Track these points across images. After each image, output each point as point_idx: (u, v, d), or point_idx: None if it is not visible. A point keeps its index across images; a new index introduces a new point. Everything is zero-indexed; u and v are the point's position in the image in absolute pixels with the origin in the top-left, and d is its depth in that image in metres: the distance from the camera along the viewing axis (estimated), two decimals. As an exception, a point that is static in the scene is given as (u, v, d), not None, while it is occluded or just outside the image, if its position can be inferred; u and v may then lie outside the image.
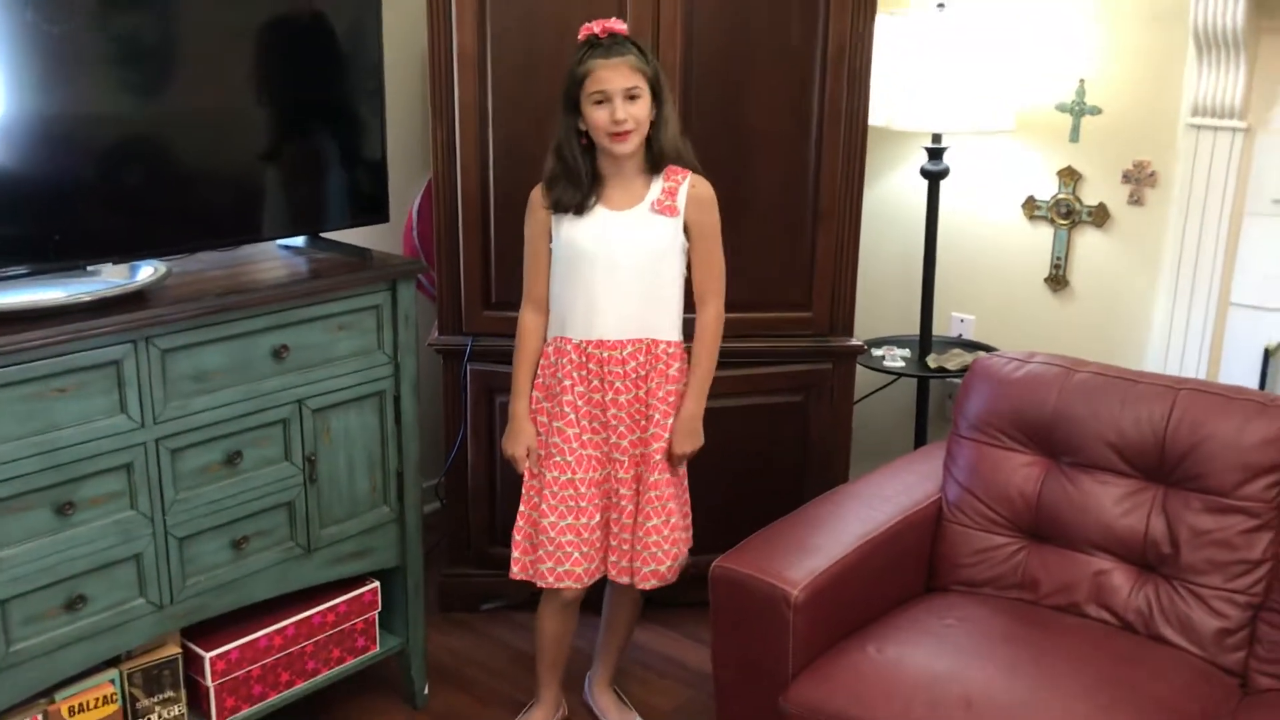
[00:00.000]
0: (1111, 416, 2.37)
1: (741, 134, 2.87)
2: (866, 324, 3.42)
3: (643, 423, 2.43)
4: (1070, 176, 3.20)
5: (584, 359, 2.40)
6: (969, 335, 3.48)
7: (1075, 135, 3.16)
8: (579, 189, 2.34)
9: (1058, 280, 3.28)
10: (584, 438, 2.42)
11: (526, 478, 2.48)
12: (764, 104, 2.85)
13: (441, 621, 3.14)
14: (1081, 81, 3.11)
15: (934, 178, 3.21)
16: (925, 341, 3.34)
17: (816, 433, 3.08)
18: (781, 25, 2.80)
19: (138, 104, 2.23)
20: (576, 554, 2.42)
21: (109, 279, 2.25)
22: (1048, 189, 3.25)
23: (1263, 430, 2.25)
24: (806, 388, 3.05)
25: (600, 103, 2.27)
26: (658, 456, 2.42)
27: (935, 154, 3.19)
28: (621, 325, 2.39)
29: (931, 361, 3.29)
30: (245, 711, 2.46)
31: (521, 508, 2.49)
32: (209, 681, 2.38)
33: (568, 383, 2.41)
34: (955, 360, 3.27)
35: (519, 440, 2.47)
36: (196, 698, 2.40)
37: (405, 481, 2.63)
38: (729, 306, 2.79)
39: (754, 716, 2.25)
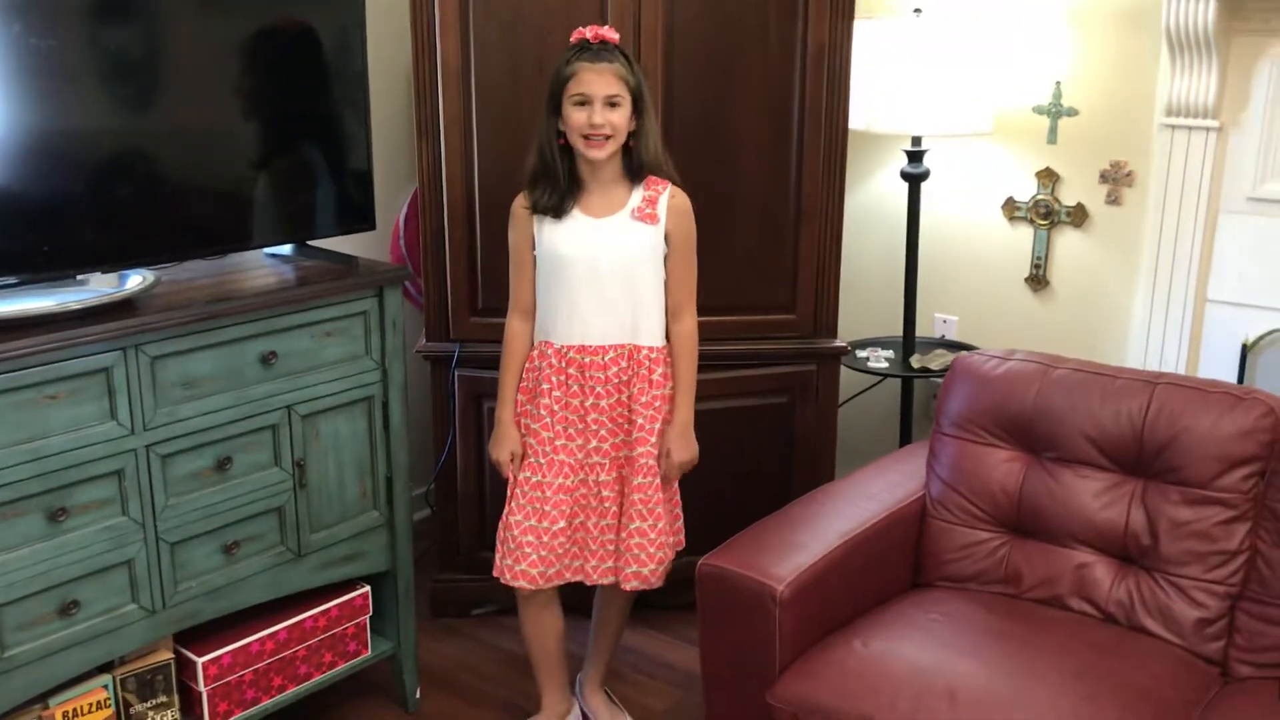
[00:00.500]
0: (1090, 411, 2.41)
1: (723, 138, 2.90)
2: (850, 326, 3.46)
3: (625, 427, 2.45)
4: (1049, 177, 3.24)
5: (564, 364, 2.43)
6: (952, 336, 3.51)
7: (1053, 137, 3.20)
8: (557, 189, 2.37)
9: (1038, 280, 3.32)
10: (558, 443, 2.44)
11: (510, 480, 2.51)
12: (745, 108, 2.89)
13: (433, 627, 3.16)
14: (1058, 84, 3.16)
15: (914, 180, 3.25)
16: (908, 342, 3.38)
17: (802, 434, 3.11)
18: (761, 30, 2.84)
19: (125, 116, 2.26)
20: (534, 555, 2.44)
21: (98, 288, 2.27)
22: (1027, 190, 3.29)
23: (1239, 422, 2.28)
24: (791, 389, 3.08)
25: (581, 104, 2.30)
26: (642, 461, 2.45)
27: (915, 157, 3.23)
28: (603, 331, 2.42)
29: (915, 362, 3.33)
30: (238, 716, 2.47)
31: (506, 508, 2.52)
32: (202, 686, 2.39)
33: (545, 387, 2.44)
34: (938, 360, 3.30)
35: (503, 445, 2.49)
36: (190, 703, 2.42)
37: (395, 486, 2.66)
38: (713, 309, 2.83)
39: (742, 712, 2.27)
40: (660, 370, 2.46)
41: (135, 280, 2.29)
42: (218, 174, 2.43)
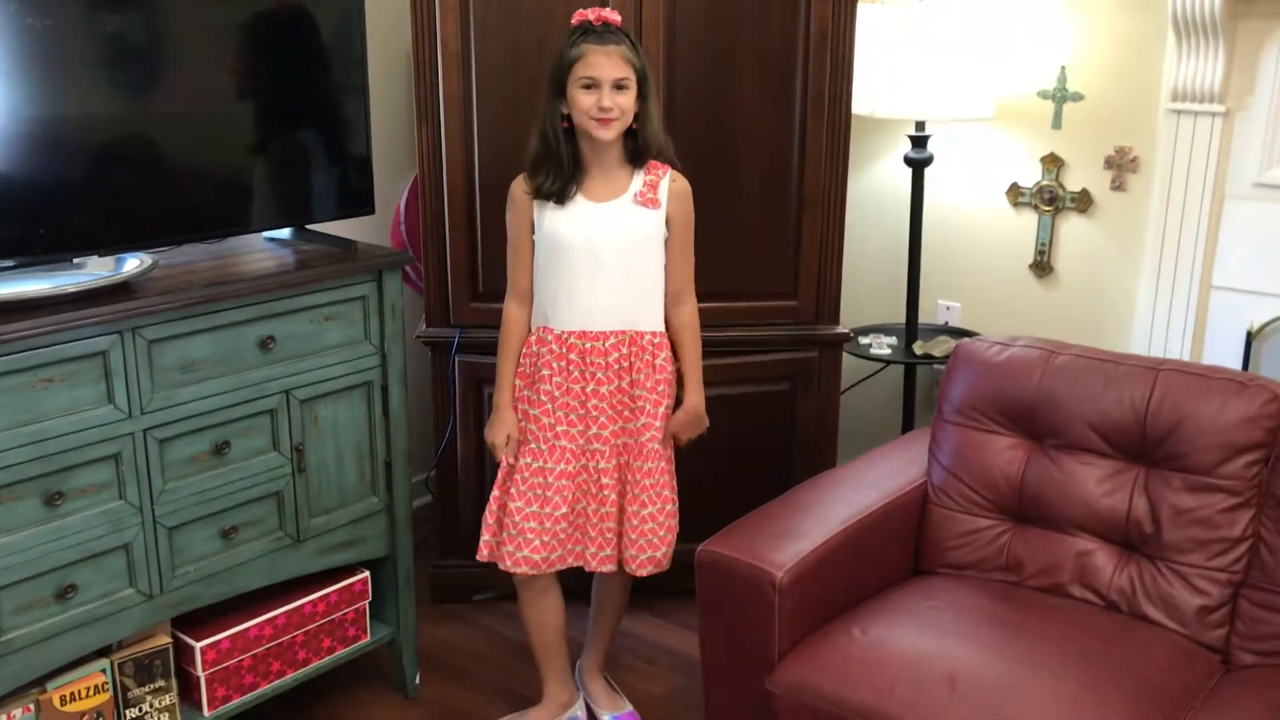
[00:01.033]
0: (1093, 398, 2.39)
1: (725, 124, 2.88)
2: (853, 312, 3.45)
3: (626, 413, 2.44)
4: (1053, 163, 3.22)
5: (565, 349, 2.42)
6: (955, 322, 3.50)
7: (1057, 122, 3.18)
8: (560, 174, 2.36)
9: (1043, 266, 3.30)
10: (559, 429, 2.43)
11: (502, 463, 2.50)
12: (747, 94, 2.87)
13: (433, 612, 3.16)
14: (1063, 68, 3.14)
15: (918, 165, 3.24)
16: (911, 329, 3.37)
17: (804, 421, 3.10)
18: (764, 14, 2.82)
19: (122, 98, 2.24)
20: (537, 541, 2.44)
21: (95, 271, 2.26)
22: (1031, 175, 3.27)
23: (1242, 409, 2.27)
24: (793, 376, 3.07)
25: (588, 88, 2.28)
26: (649, 446, 2.44)
27: (919, 142, 3.21)
28: (604, 316, 2.41)
29: (918, 348, 3.31)
30: (236, 701, 2.47)
31: (495, 492, 2.52)
32: (200, 671, 2.39)
33: (546, 373, 2.43)
34: (941, 347, 3.29)
35: (499, 429, 2.49)
36: (188, 687, 2.42)
37: (394, 471, 2.65)
38: (715, 295, 2.82)
39: (741, 698, 2.27)
40: (662, 355, 2.45)
41: (132, 264, 2.29)
42: (216, 157, 2.41)
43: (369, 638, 2.72)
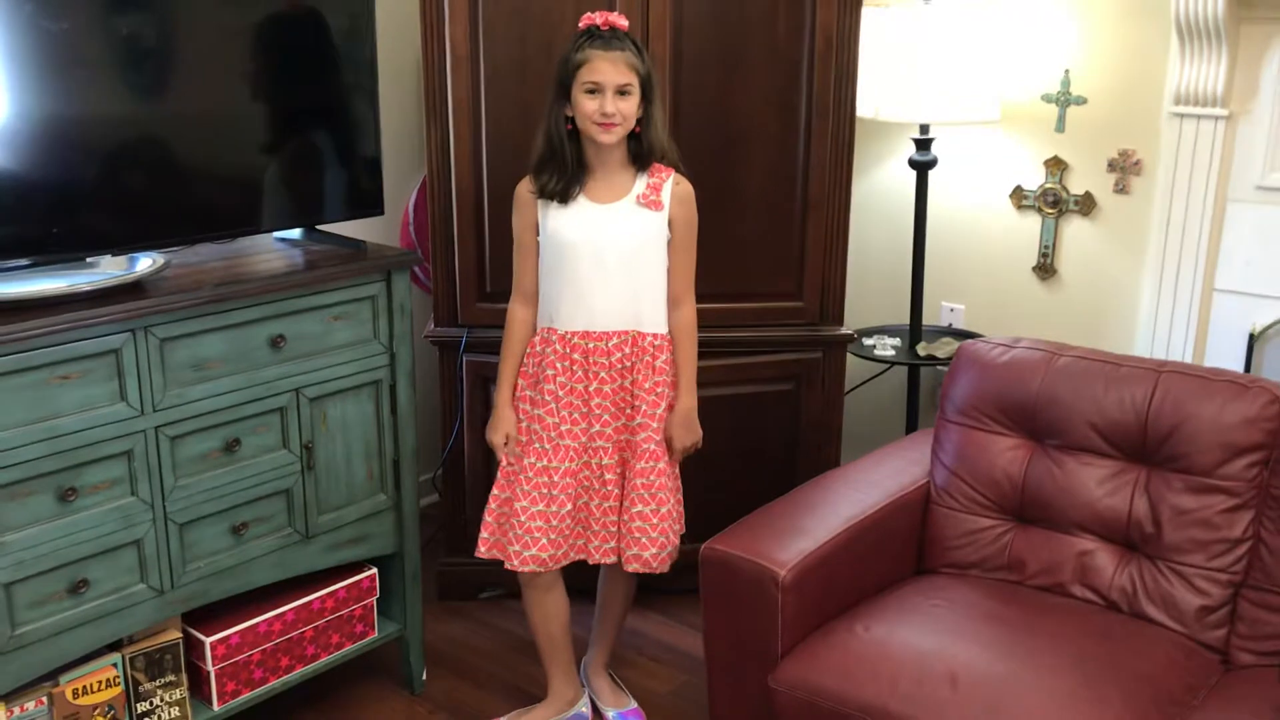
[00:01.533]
0: (1095, 399, 2.41)
1: (731, 126, 2.91)
2: (858, 314, 3.47)
3: (628, 411, 2.47)
4: (1057, 166, 3.24)
5: (568, 349, 2.44)
6: (959, 324, 3.52)
7: (1061, 125, 3.20)
8: (564, 174, 2.38)
9: (1046, 269, 3.32)
10: (563, 428, 2.46)
11: (503, 462, 2.53)
12: (753, 96, 2.89)
13: (440, 610, 3.19)
14: (1066, 72, 3.15)
15: (922, 168, 3.26)
16: (915, 330, 3.38)
17: (808, 421, 3.12)
18: (769, 18, 2.84)
19: (135, 99, 2.27)
20: (544, 539, 2.46)
21: (108, 270, 2.29)
22: (1035, 178, 3.29)
23: (1242, 411, 2.29)
24: (797, 376, 3.09)
25: (592, 92, 2.31)
26: (645, 446, 2.46)
27: (923, 144, 3.23)
28: (607, 317, 2.43)
29: (922, 350, 3.33)
30: (246, 696, 2.50)
31: (494, 490, 2.55)
32: (210, 666, 2.42)
33: (550, 372, 2.45)
34: (945, 348, 3.30)
35: (499, 428, 2.51)
36: (198, 682, 2.45)
37: (402, 469, 2.68)
38: (720, 295, 2.85)
39: (744, 695, 2.29)
40: (663, 357, 2.48)
41: (145, 263, 2.31)
42: (227, 158, 2.44)
43: (377, 634, 2.74)
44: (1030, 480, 2.47)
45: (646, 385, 2.45)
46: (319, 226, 2.68)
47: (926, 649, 2.15)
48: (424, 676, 2.86)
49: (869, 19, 2.96)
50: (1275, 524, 2.24)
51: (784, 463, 3.12)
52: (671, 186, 2.42)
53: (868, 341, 3.41)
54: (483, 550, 2.56)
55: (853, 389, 3.49)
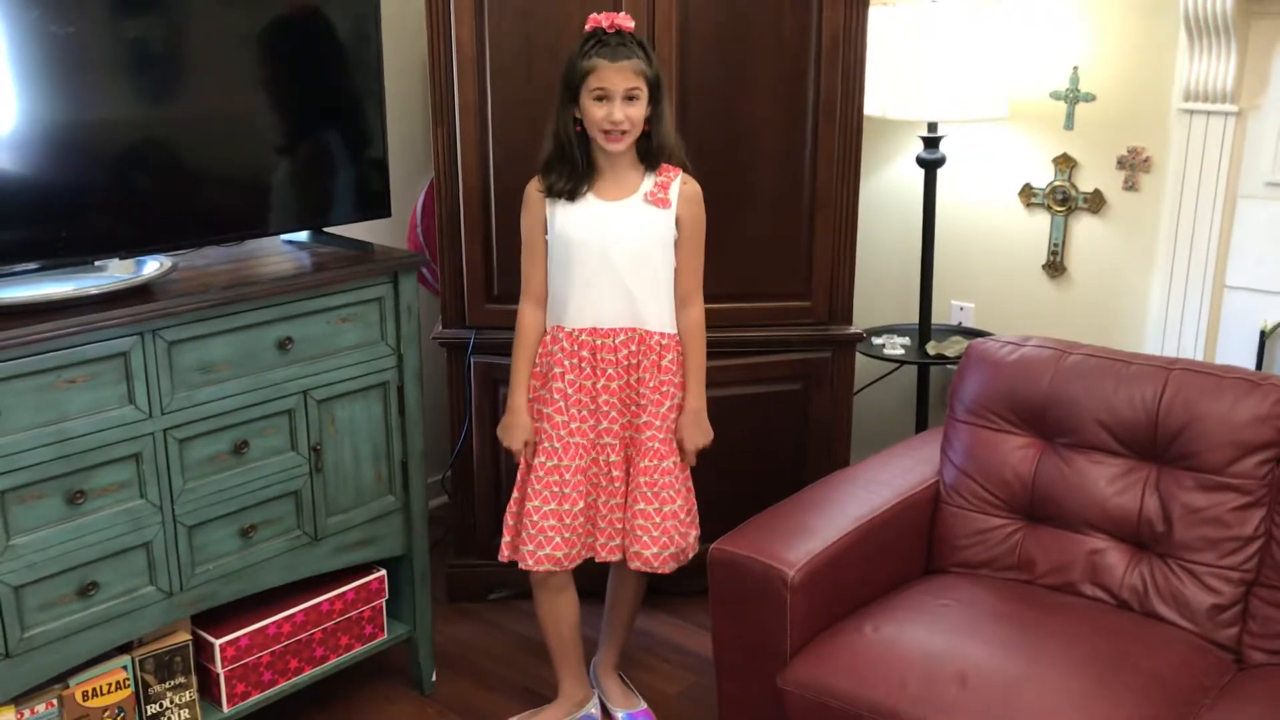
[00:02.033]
0: (1104, 397, 2.40)
1: (738, 125, 2.90)
2: (867, 313, 3.46)
3: (633, 409, 2.47)
4: (1066, 163, 3.22)
5: (576, 347, 2.44)
6: (968, 323, 3.51)
7: (1070, 122, 3.19)
8: (573, 174, 2.38)
9: (1055, 267, 3.31)
10: (572, 425, 2.46)
11: (521, 465, 2.53)
12: (760, 95, 2.89)
13: (449, 611, 3.19)
14: (1075, 69, 3.14)
15: (930, 166, 3.25)
16: (924, 329, 3.38)
17: (817, 421, 3.11)
18: (776, 16, 2.84)
19: (142, 103, 2.28)
20: (558, 538, 2.46)
21: (116, 274, 2.29)
22: (1044, 176, 3.28)
23: (1253, 408, 2.27)
24: (806, 376, 3.09)
25: (599, 99, 2.30)
26: (649, 444, 2.46)
27: (931, 143, 3.22)
28: (613, 314, 2.43)
29: (931, 349, 3.32)
30: (255, 698, 2.50)
31: (514, 493, 2.55)
32: (219, 668, 2.42)
33: (558, 370, 2.45)
34: (954, 347, 3.29)
35: (515, 434, 2.51)
36: (207, 684, 2.45)
37: (410, 471, 2.68)
38: (729, 295, 2.85)
39: (753, 695, 2.28)
40: (669, 356, 2.47)
41: (152, 266, 2.32)
42: (234, 161, 2.45)
43: (386, 635, 2.74)
44: (1040, 479, 2.46)
45: (651, 384, 2.45)
46: (326, 229, 2.68)
47: (936, 649, 2.14)
48: (433, 678, 2.86)
49: (876, 17, 2.95)
50: (1287, 522, 2.23)
51: (793, 462, 3.11)
52: (679, 186, 2.42)
53: (877, 341, 3.41)
54: (505, 554, 2.55)
55: (862, 388, 3.48)
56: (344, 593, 2.62)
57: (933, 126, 3.21)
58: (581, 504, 2.47)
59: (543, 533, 2.46)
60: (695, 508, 2.58)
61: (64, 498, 2.12)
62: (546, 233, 2.45)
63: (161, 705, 2.37)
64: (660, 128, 2.38)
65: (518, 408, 2.51)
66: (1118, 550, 2.38)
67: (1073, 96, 3.16)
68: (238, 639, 2.44)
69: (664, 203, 2.40)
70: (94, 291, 2.16)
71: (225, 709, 2.45)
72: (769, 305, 3.04)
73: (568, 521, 2.46)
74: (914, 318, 3.43)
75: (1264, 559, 2.25)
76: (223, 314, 2.28)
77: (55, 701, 2.21)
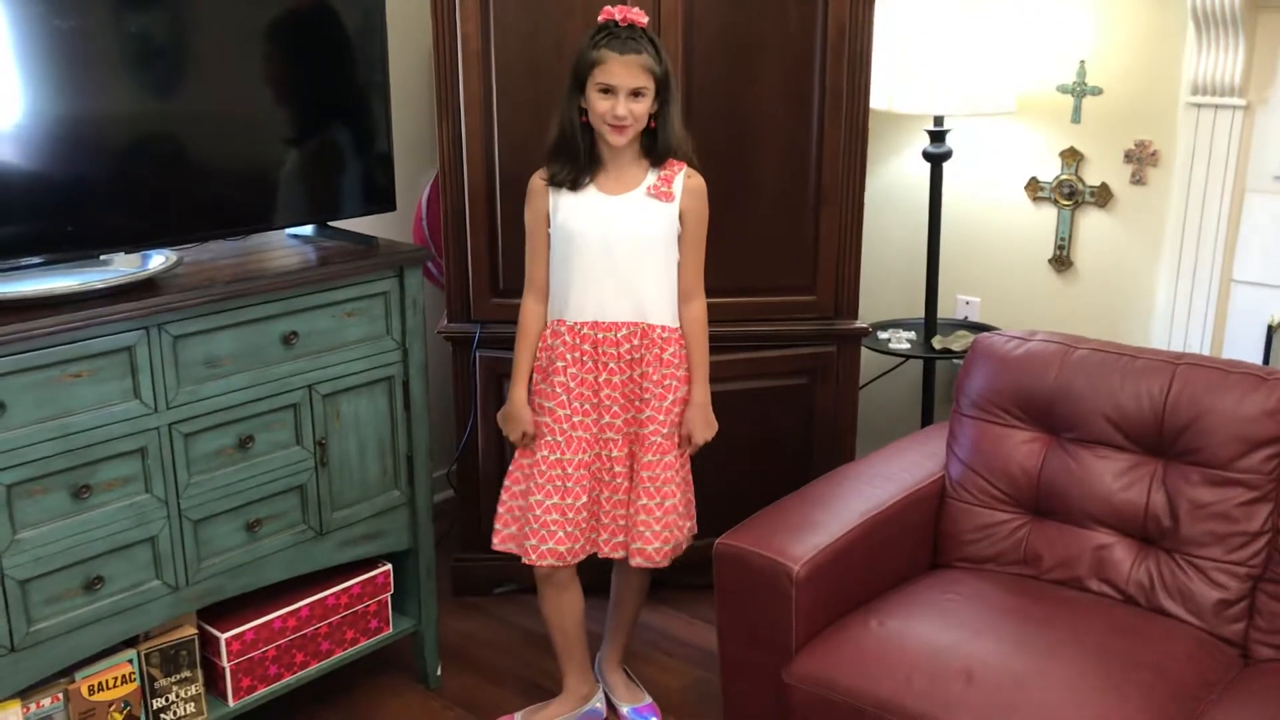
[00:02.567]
0: (1111, 392, 2.40)
1: (743, 118, 2.90)
2: (872, 307, 3.45)
3: (636, 403, 2.47)
4: (1072, 157, 3.21)
5: (578, 340, 2.44)
6: (974, 317, 3.50)
7: (1077, 116, 3.18)
8: (576, 164, 2.38)
9: (1062, 261, 3.30)
10: (575, 419, 2.45)
11: (517, 455, 2.53)
12: (765, 88, 2.88)
13: (455, 605, 3.19)
14: (1082, 62, 3.13)
15: (936, 160, 3.24)
16: (930, 323, 3.37)
17: (822, 415, 3.11)
18: (781, 10, 2.83)
19: (146, 97, 2.27)
20: (561, 533, 2.46)
21: (121, 268, 2.29)
22: (1050, 170, 3.27)
23: (1260, 403, 2.27)
24: (812, 370, 3.08)
25: (605, 92, 2.30)
26: (653, 439, 2.46)
27: (937, 137, 3.22)
28: (616, 308, 2.43)
29: (937, 343, 3.32)
30: (261, 691, 2.51)
31: (506, 482, 2.55)
32: (225, 662, 2.43)
33: (560, 364, 2.45)
34: (960, 342, 3.29)
35: (516, 426, 2.51)
36: (213, 678, 2.45)
37: (415, 465, 2.68)
38: (734, 290, 2.84)
39: (758, 690, 2.28)
40: (671, 350, 2.47)
41: (158, 260, 2.32)
42: (239, 155, 2.44)
43: (391, 630, 2.75)
44: (1046, 474, 2.45)
45: (655, 377, 2.45)
46: (331, 223, 2.68)
47: (942, 644, 2.14)
48: (439, 672, 2.87)
49: (882, 10, 2.94)
50: (1294, 517, 2.23)
51: (798, 457, 3.11)
52: (683, 179, 2.42)
53: (882, 335, 3.40)
54: (497, 543, 2.56)
55: (867, 383, 3.48)
56: (349, 587, 2.63)
57: (939, 120, 3.20)
58: (584, 498, 2.47)
59: (545, 527, 2.46)
60: (692, 500, 2.58)
61: (69, 492, 2.12)
62: (549, 226, 2.45)
63: (167, 699, 2.37)
64: (666, 127, 2.37)
65: (517, 399, 2.51)
66: (1124, 545, 2.38)
67: (1080, 90, 3.15)
68: (243, 633, 2.44)
69: (667, 196, 2.40)
70: (99, 286, 2.16)
71: (231, 703, 2.46)
72: (774, 299, 3.03)
73: (570, 516, 2.46)
74: (920, 312, 3.43)
75: (1270, 554, 2.25)
76: (228, 308, 2.28)
77: (61, 695, 2.21)
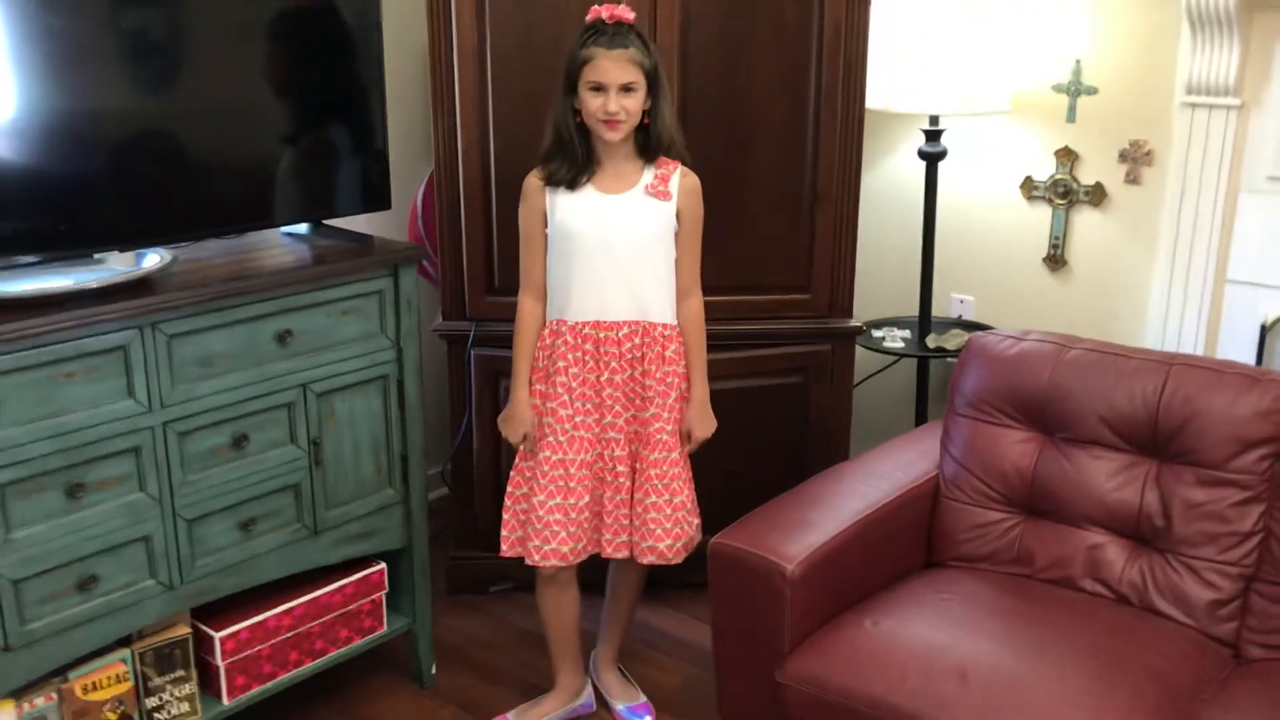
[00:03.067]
0: (1104, 392, 2.40)
1: (739, 117, 2.90)
2: (867, 306, 3.45)
3: (639, 402, 2.47)
4: (1067, 156, 3.22)
5: (580, 340, 2.44)
6: (969, 316, 3.50)
7: (1072, 115, 3.18)
8: (574, 164, 2.38)
9: (1056, 260, 3.30)
10: (577, 419, 2.45)
11: (518, 458, 2.53)
12: (761, 87, 2.88)
13: (450, 604, 3.19)
14: (1077, 62, 3.13)
15: (932, 159, 3.24)
16: (925, 322, 3.37)
17: (817, 414, 3.11)
18: (777, 9, 2.83)
19: (141, 94, 2.27)
20: (564, 533, 2.46)
21: (115, 267, 2.29)
22: (1045, 169, 3.27)
23: (1254, 404, 2.28)
24: (806, 369, 3.08)
25: (596, 90, 2.30)
26: (659, 436, 2.46)
27: (932, 136, 3.22)
28: (617, 307, 2.43)
29: (931, 342, 3.32)
30: (255, 690, 2.50)
31: (510, 487, 2.55)
32: (219, 661, 2.42)
33: (562, 364, 2.45)
34: (955, 340, 3.29)
35: (516, 427, 2.50)
36: (207, 677, 2.45)
37: (410, 464, 2.68)
38: (728, 288, 2.84)
39: (753, 689, 2.29)
40: (673, 347, 2.47)
41: (152, 259, 2.31)
42: (234, 153, 2.44)
43: (386, 628, 2.75)
44: (1040, 473, 2.46)
45: (657, 375, 2.45)
46: (326, 221, 2.68)
47: (936, 643, 2.14)
48: (433, 670, 2.87)
49: (878, 9, 2.93)
50: (1287, 517, 2.23)
51: (792, 455, 3.11)
52: (679, 178, 2.42)
53: (877, 334, 3.40)
54: (505, 549, 2.56)
55: (861, 381, 3.48)
56: (344, 586, 2.63)
57: (934, 119, 3.20)
58: (587, 498, 2.47)
59: (549, 527, 2.46)
60: (695, 496, 2.59)
61: (63, 491, 2.12)
62: (546, 225, 2.45)
63: (161, 698, 2.37)
64: (658, 121, 2.38)
65: (519, 400, 2.51)
66: (1117, 545, 2.38)
67: (1075, 89, 3.15)
68: (238, 632, 2.44)
69: (665, 195, 2.40)
70: (93, 285, 2.16)
71: (225, 702, 2.46)
72: (769, 298, 3.03)
73: (573, 516, 2.47)
74: (914, 311, 3.43)
75: (1263, 554, 2.26)
76: (222, 307, 2.27)
77: (55, 695, 2.21)
